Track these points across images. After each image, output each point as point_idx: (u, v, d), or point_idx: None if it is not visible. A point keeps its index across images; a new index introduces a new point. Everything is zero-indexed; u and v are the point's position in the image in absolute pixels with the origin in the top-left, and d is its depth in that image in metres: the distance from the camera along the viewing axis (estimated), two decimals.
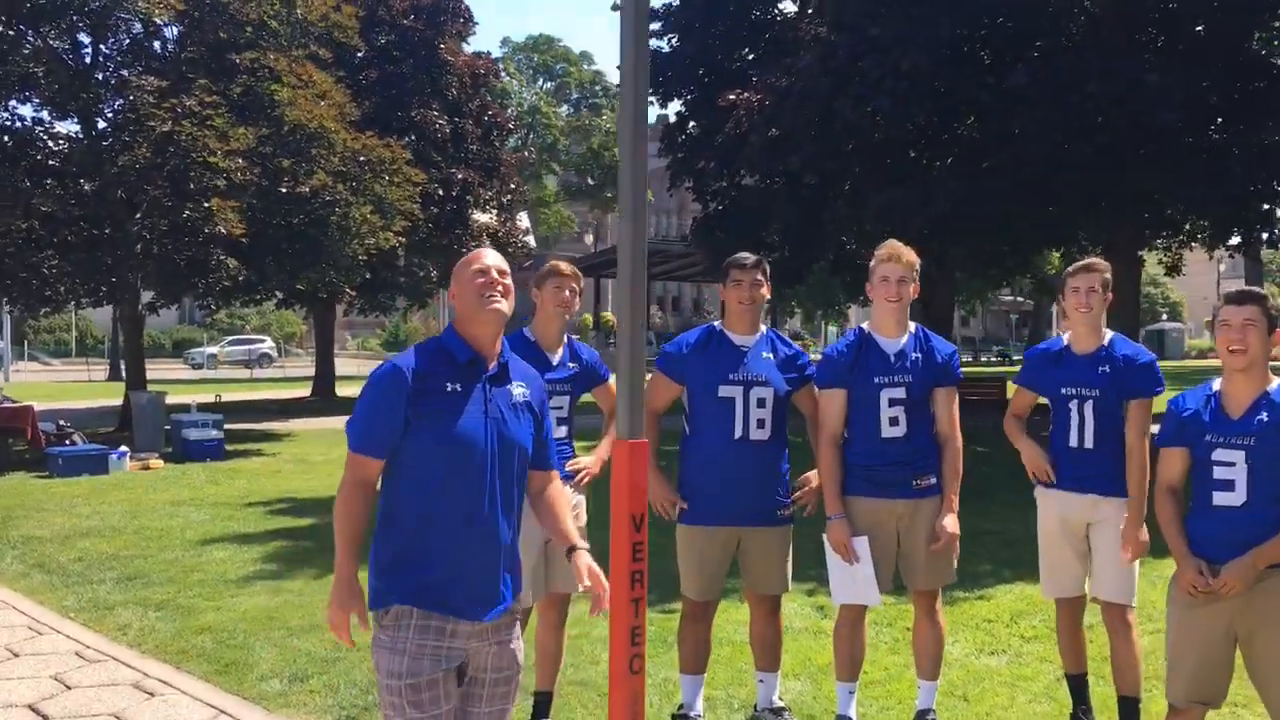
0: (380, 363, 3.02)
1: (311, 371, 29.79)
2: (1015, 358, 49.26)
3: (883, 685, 5.22)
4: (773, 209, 17.99)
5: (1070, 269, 4.52)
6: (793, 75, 14.96)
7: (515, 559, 2.98)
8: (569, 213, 55.35)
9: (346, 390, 28.30)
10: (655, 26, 21.82)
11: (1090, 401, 4.39)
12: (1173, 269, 20.57)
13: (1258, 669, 3.52)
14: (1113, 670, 4.52)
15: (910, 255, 4.44)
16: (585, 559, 2.86)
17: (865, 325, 4.61)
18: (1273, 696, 3.50)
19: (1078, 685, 4.68)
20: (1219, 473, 3.52)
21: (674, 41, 21.90)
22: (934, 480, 4.49)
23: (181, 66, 16.09)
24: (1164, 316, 68.55)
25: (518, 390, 3.00)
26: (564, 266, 4.56)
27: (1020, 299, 60.70)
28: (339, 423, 19.88)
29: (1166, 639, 3.69)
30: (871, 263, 4.46)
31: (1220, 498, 3.51)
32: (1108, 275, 4.47)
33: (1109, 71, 11.83)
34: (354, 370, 38.09)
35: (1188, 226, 16.60)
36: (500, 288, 2.95)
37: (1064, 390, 4.45)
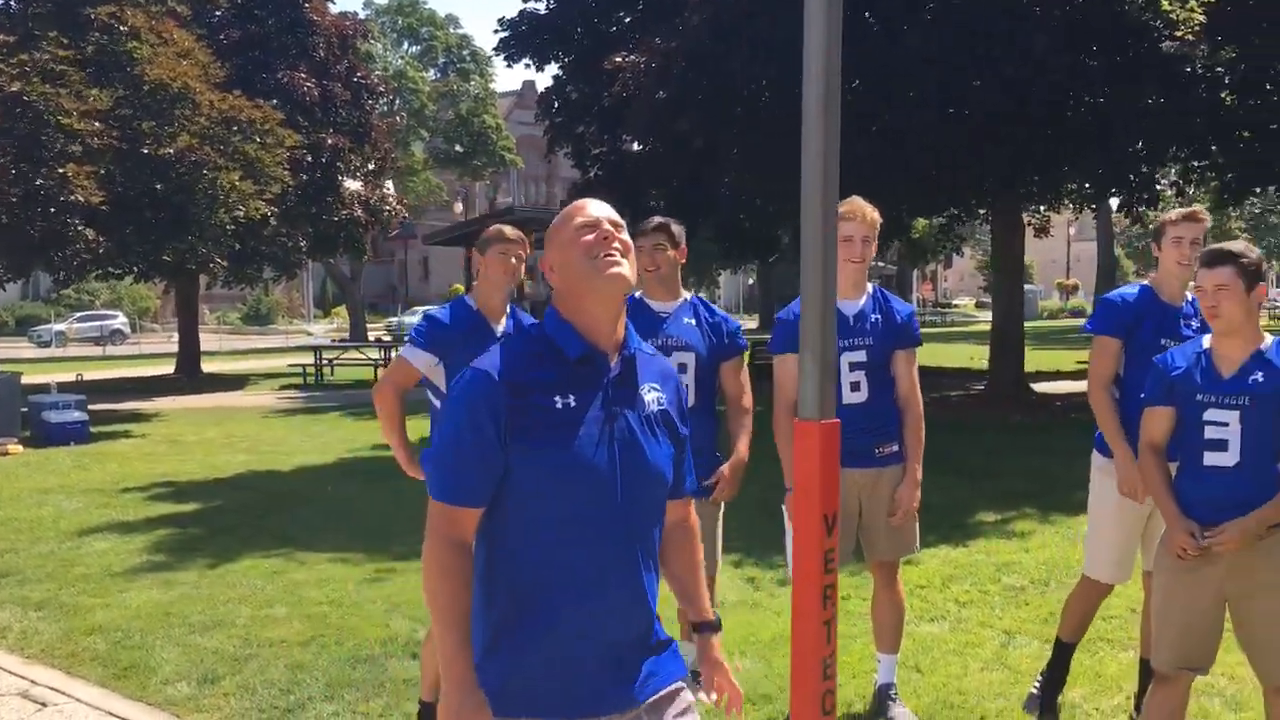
0: (464, 371, 2.18)
1: (169, 348, 28.43)
2: None
3: None
4: (657, 174, 17.77)
5: (1171, 217, 4.22)
6: (679, 36, 14.71)
7: (656, 620, 2.25)
8: (437, 180, 54.12)
9: (211, 366, 27.13)
10: None
11: None
12: (1041, 231, 21.14)
13: (1246, 632, 3.44)
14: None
15: (874, 213, 4.23)
16: (717, 650, 2.30)
17: None
18: (1259, 660, 3.44)
19: (1065, 653, 4.45)
20: (1211, 433, 3.40)
21: (550, 4, 21.42)
22: (896, 448, 4.32)
23: (29, 22, 14.93)
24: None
25: (651, 395, 2.22)
26: (509, 231, 4.20)
27: (882, 263, 62.00)
28: (208, 401, 19.03)
29: (1154, 605, 3.58)
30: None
31: (1212, 458, 3.40)
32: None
33: (997, 35, 11.90)
34: (215, 346, 36.62)
35: (1073, 188, 16.95)
36: (619, 244, 2.17)
37: (1163, 341, 4.08)
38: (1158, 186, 15.27)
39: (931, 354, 24.37)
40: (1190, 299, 4.15)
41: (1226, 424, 3.39)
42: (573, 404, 2.09)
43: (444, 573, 2.09)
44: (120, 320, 46.81)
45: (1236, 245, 3.43)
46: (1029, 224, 20.00)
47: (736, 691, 2.24)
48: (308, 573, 6.81)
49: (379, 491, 9.39)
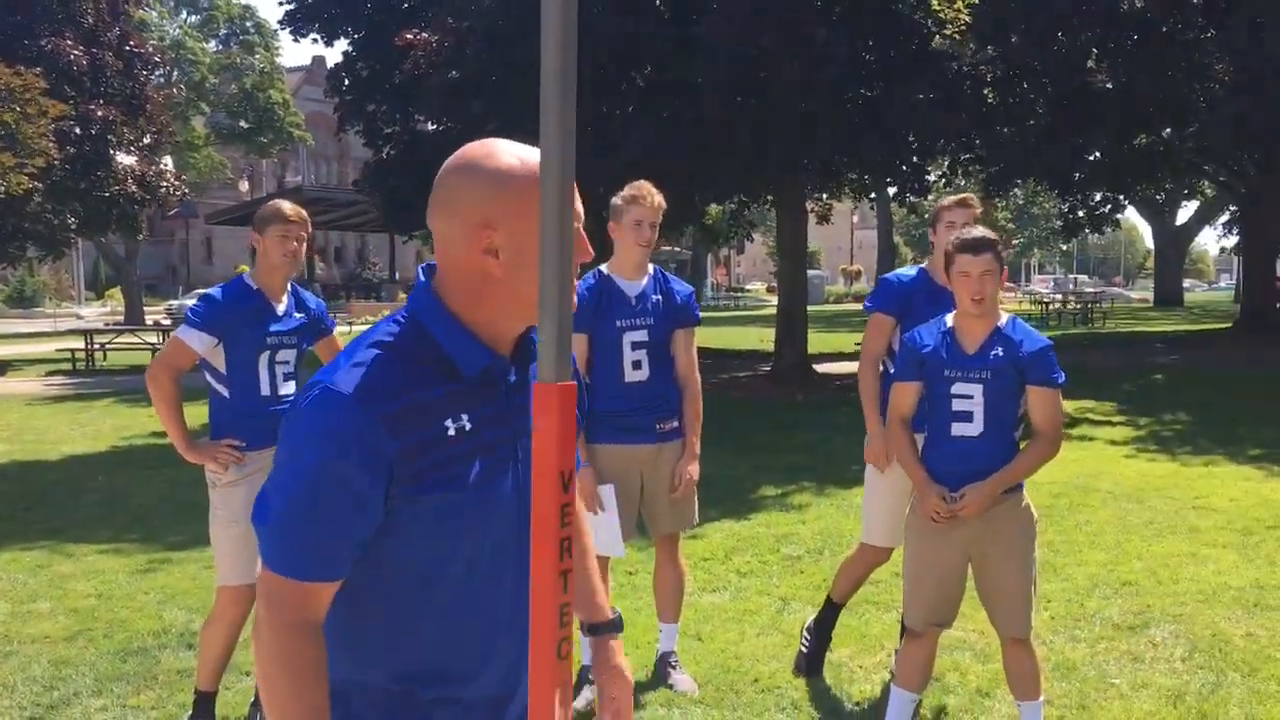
0: (318, 396, 1.57)
1: None
2: None
3: None
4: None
5: (946, 203, 4.37)
6: (473, 15, 14.58)
7: None
8: (220, 157, 51.81)
9: None
10: None
11: None
12: (823, 219, 22.01)
13: (987, 588, 3.73)
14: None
15: (659, 198, 4.34)
16: (617, 655, 1.94)
17: (604, 267, 4.48)
18: (998, 613, 3.73)
19: (832, 612, 4.71)
20: (958, 405, 3.65)
21: None
22: (676, 424, 4.47)
23: None
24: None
25: None
26: (289, 209, 4.09)
27: (678, 249, 63.18)
28: None
29: (904, 568, 3.83)
30: (617, 201, 4.32)
31: (958, 429, 3.64)
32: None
33: (781, 25, 12.31)
34: None
35: (853, 177, 17.69)
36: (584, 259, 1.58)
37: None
38: (928, 177, 16.15)
39: (723, 336, 25.06)
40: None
41: (971, 397, 3.65)
42: (468, 427, 1.61)
43: (289, 666, 1.57)
44: None
45: (990, 232, 3.70)
46: (812, 211, 20.77)
47: (628, 709, 1.90)
48: (75, 565, 6.47)
49: (155, 480, 8.99)
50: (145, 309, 36.24)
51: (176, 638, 5.17)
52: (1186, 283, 60.55)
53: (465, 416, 1.60)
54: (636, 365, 4.37)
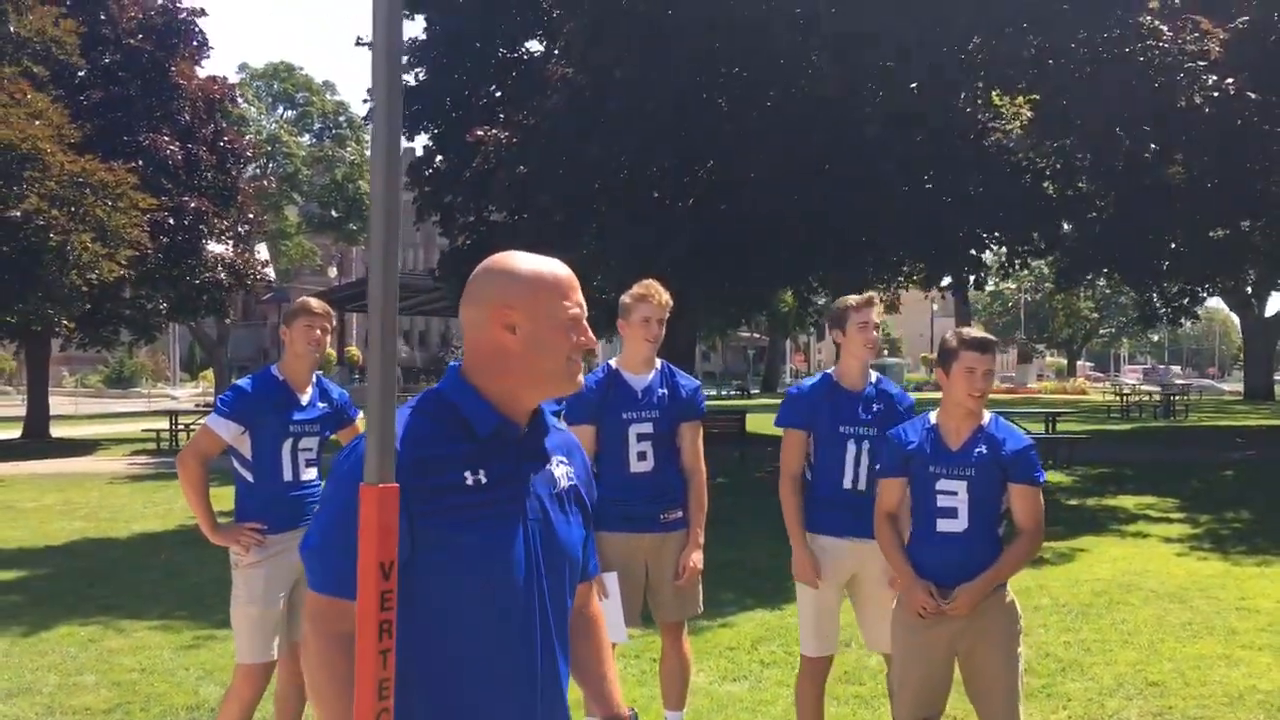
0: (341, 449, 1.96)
1: (21, 411, 27.44)
2: (754, 391, 51.29)
3: None
4: (520, 244, 18.02)
5: (855, 302, 4.40)
6: (541, 114, 15.15)
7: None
8: (311, 245, 53.64)
9: (62, 431, 26.27)
10: (403, 60, 21.60)
11: (866, 441, 4.28)
12: (890, 308, 22.06)
13: (975, 683, 3.77)
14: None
15: (666, 296, 4.54)
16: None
17: (613, 361, 4.69)
18: (984, 707, 3.77)
19: None
20: (942, 501, 3.72)
21: (421, 75, 21.74)
22: (681, 513, 4.61)
23: None
24: (884, 352, 73.27)
25: (560, 470, 2.02)
26: (315, 304, 4.42)
27: (757, 335, 63.39)
28: (54, 466, 18.43)
29: (892, 662, 3.89)
30: (626, 299, 4.52)
31: (944, 525, 3.71)
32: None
33: (833, 122, 12.60)
34: (70, 409, 35.43)
35: (905, 269, 17.78)
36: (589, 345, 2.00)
37: (842, 428, 4.31)
38: (984, 270, 16.18)
39: None
40: (874, 382, 4.41)
41: (955, 493, 3.73)
42: (484, 480, 1.86)
43: (333, 674, 1.79)
44: None
45: (990, 336, 3.83)
46: (880, 300, 20.82)
47: None
48: (124, 640, 6.76)
49: (211, 559, 9.25)
50: None
51: (208, 713, 5.38)
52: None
53: (482, 471, 1.87)
54: (641, 456, 4.53)
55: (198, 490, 4.30)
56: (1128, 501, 12.83)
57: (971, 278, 14.75)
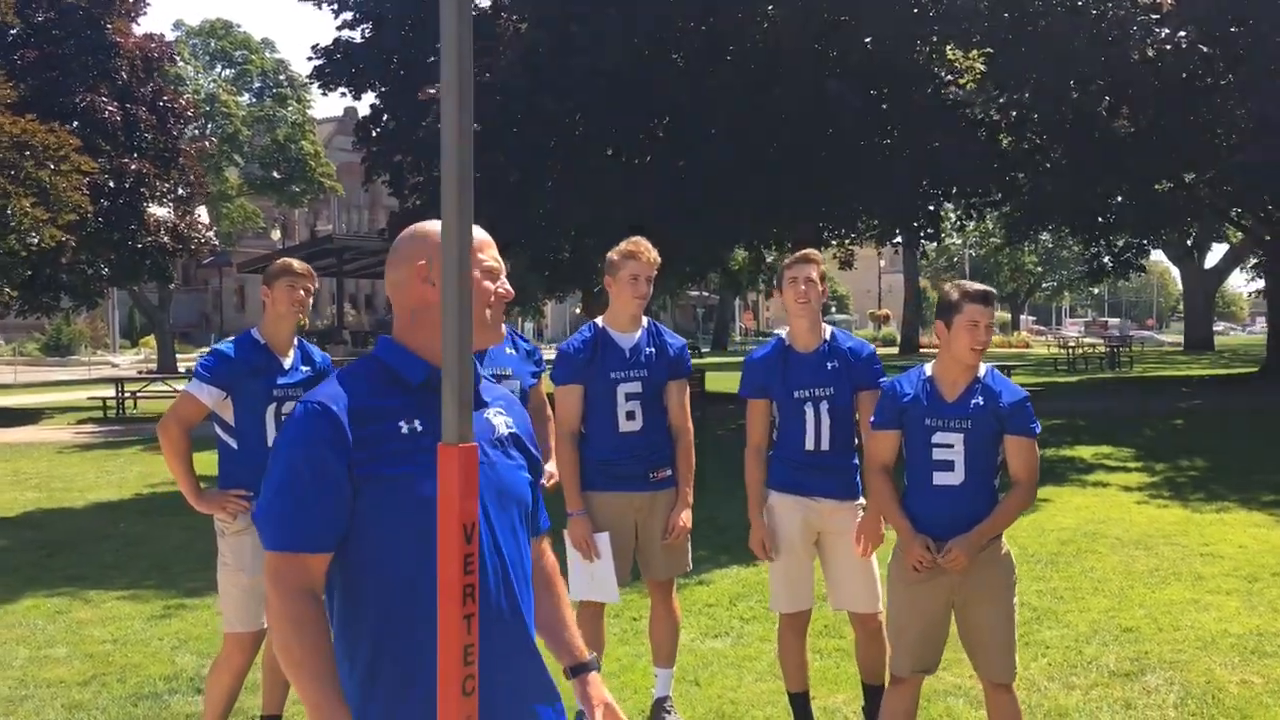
0: (308, 401, 2.01)
1: None
2: (703, 349, 51.37)
3: (616, 677, 5.27)
4: (475, 205, 17.83)
5: (787, 260, 4.42)
6: (493, 71, 14.91)
7: (543, 662, 2.13)
8: (254, 207, 52.67)
9: (2, 400, 25.68)
10: (347, 17, 21.17)
11: (825, 401, 4.27)
12: (845, 264, 22.15)
13: (970, 635, 3.79)
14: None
15: (655, 253, 4.48)
16: (600, 689, 2.21)
17: (600, 320, 4.63)
18: (981, 658, 3.79)
19: (802, 704, 4.53)
20: (939, 454, 3.71)
21: (367, 32, 21.30)
22: (670, 472, 4.59)
23: None
24: (833, 309, 73.76)
25: (499, 419, 2.12)
26: (297, 265, 4.31)
27: (706, 294, 63.48)
28: None
29: (888, 616, 3.90)
30: (614, 256, 4.46)
31: (940, 478, 3.70)
32: (823, 266, 4.62)
33: (794, 77, 12.54)
34: (10, 378, 34.65)
35: (860, 224, 17.83)
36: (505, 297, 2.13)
37: (796, 393, 4.28)
38: (943, 223, 16.27)
39: None
40: (827, 339, 4.36)
41: (952, 445, 3.72)
42: (419, 428, 1.96)
43: (297, 624, 1.88)
44: None
45: (992, 289, 3.83)
46: (834, 257, 20.91)
47: None
48: (93, 611, 6.63)
49: (175, 527, 9.16)
50: (178, 357, 36.71)
51: (187, 683, 5.29)
52: (1219, 326, 60.17)
53: (417, 420, 1.97)
54: (630, 415, 4.49)
55: (180, 457, 4.18)
56: (1084, 451, 13.04)
57: (929, 230, 14.83)
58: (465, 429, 1.23)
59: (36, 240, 15.75)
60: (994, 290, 3.78)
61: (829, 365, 4.33)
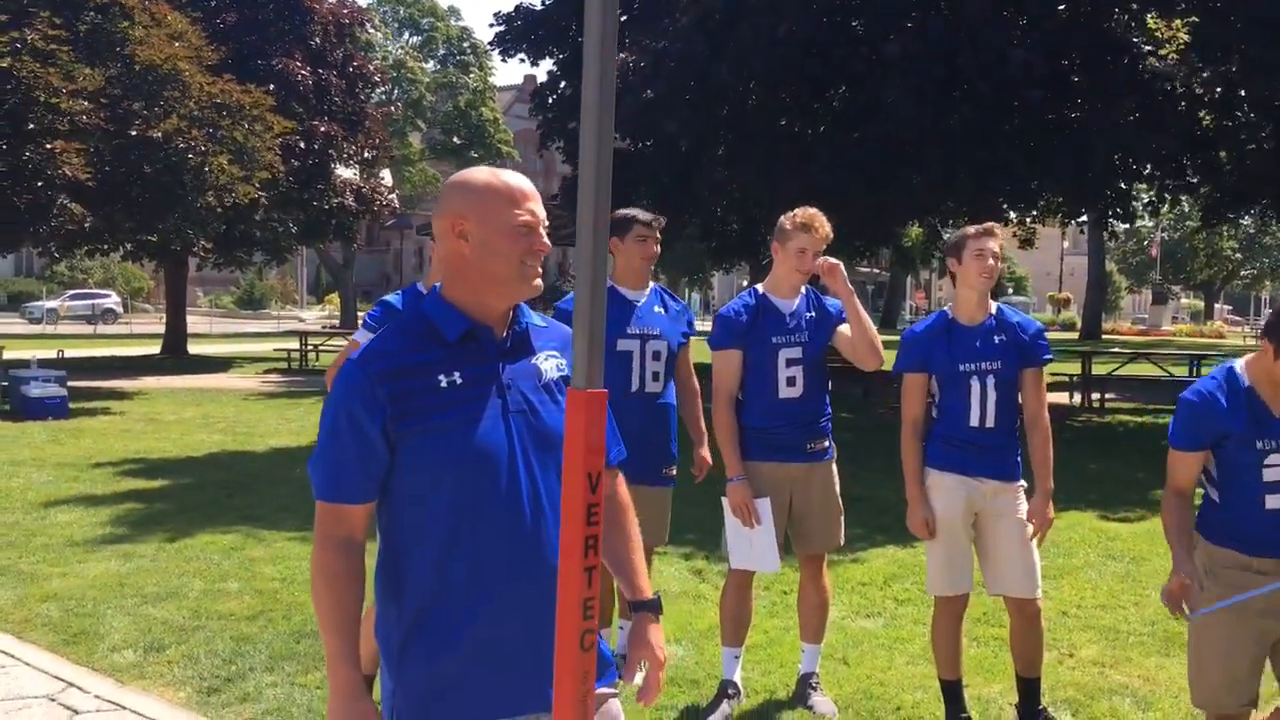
0: (345, 352, 2.19)
1: (160, 329, 28.53)
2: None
3: (764, 649, 5.20)
4: (644, 172, 17.91)
5: (972, 231, 4.19)
6: (669, 36, 14.85)
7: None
8: (434, 171, 54.25)
9: (198, 348, 27.25)
10: None
11: (991, 376, 4.07)
12: (1026, 243, 21.26)
13: None
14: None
15: (828, 229, 4.35)
16: (652, 632, 2.16)
17: (760, 287, 4.53)
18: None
19: (955, 692, 4.31)
20: (1270, 475, 3.19)
21: (546, 0, 21.55)
22: (827, 444, 4.49)
23: (23, 0, 15.02)
24: (1009, 289, 71.25)
25: (548, 364, 2.11)
26: None
27: (877, 271, 62.25)
28: (191, 382, 19.14)
29: (1192, 646, 3.42)
30: (786, 224, 4.35)
31: (1272, 501, 3.19)
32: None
33: (977, 45, 12.05)
34: (205, 328, 36.76)
35: (1043, 202, 17.10)
36: (544, 251, 2.10)
37: (962, 366, 4.09)
38: (1135, 203, 15.43)
39: None
40: (993, 314, 4.14)
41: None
42: (459, 380, 2.00)
43: (327, 577, 2.01)
44: (113, 300, 46.94)
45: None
46: (1015, 235, 20.12)
47: (654, 683, 2.12)
48: (265, 550, 6.94)
49: None
50: (359, 313, 38.28)
51: None
52: None
53: (457, 373, 2.01)
54: (790, 382, 4.39)
55: None
56: None
57: (1119, 210, 14.07)
58: (595, 373, 1.17)
59: (232, 197, 16.53)
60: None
61: (996, 339, 4.14)
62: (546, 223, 2.10)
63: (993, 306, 4.22)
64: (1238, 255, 68.19)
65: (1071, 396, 16.37)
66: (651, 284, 4.70)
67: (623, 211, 4.56)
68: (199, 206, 15.96)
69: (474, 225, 2.03)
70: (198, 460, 10.65)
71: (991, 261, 4.11)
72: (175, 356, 24.75)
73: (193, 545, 7.04)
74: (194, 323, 31.43)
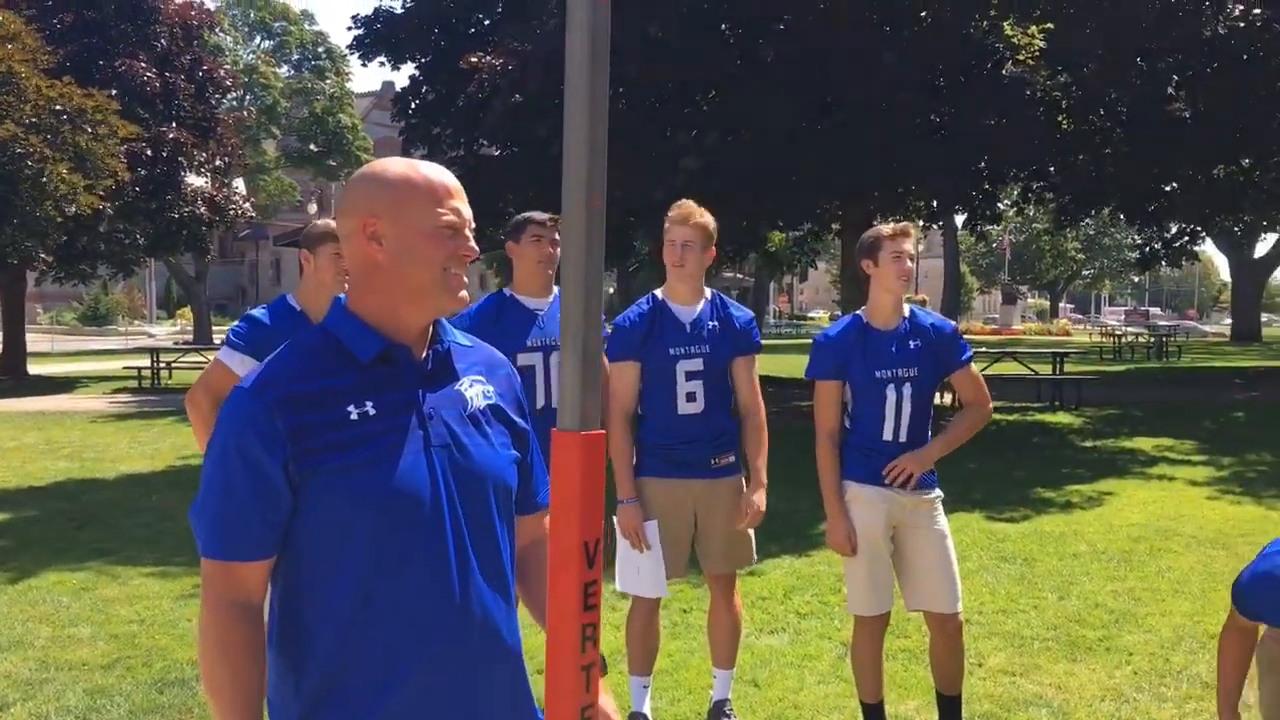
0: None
1: None
2: None
3: (669, 674, 4.94)
4: (512, 178, 17.50)
5: (887, 232, 4.00)
6: (538, 39, 14.51)
7: (523, 670, 1.84)
8: (290, 180, 52.61)
9: (39, 368, 25.67)
10: None
11: (908, 385, 3.91)
12: None
13: None
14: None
15: (703, 217, 4.10)
16: (604, 695, 1.64)
17: (659, 292, 4.27)
18: None
19: (877, 716, 4.12)
20: None
21: (407, 2, 20.95)
22: (733, 458, 4.24)
23: None
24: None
25: (474, 390, 1.80)
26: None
27: (741, 275, 62.89)
28: (32, 404, 17.91)
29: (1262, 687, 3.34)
30: (666, 224, 4.12)
31: None
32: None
33: (849, 50, 12.07)
34: (46, 346, 34.75)
35: (908, 205, 17.35)
36: (469, 257, 1.78)
37: (878, 373, 3.93)
38: (1000, 205, 15.77)
39: (784, 365, 24.69)
40: (907, 317, 4.01)
41: None
42: (371, 412, 1.68)
43: (224, 648, 1.65)
44: None
45: None
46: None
47: None
48: (120, 589, 6.37)
49: None
50: (213, 328, 36.74)
51: None
52: (1265, 317, 58.96)
53: (369, 403, 1.69)
54: (690, 397, 4.13)
55: (208, 431, 3.85)
56: (1144, 443, 12.55)
57: (988, 212, 14.33)
58: (590, 408, 0.88)
59: (74, 207, 15.53)
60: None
61: (912, 344, 3.97)
62: (473, 224, 1.79)
63: (906, 309, 4.06)
64: (1080, 256, 71.24)
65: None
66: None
67: (518, 216, 4.27)
68: (37, 216, 14.93)
69: (388, 226, 1.72)
70: (41, 490, 9.85)
71: (909, 263, 3.95)
72: (14, 377, 23.20)
73: (38, 586, 6.42)
74: (34, 341, 29.63)
